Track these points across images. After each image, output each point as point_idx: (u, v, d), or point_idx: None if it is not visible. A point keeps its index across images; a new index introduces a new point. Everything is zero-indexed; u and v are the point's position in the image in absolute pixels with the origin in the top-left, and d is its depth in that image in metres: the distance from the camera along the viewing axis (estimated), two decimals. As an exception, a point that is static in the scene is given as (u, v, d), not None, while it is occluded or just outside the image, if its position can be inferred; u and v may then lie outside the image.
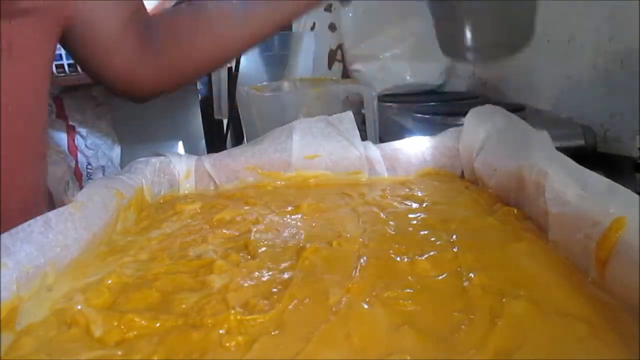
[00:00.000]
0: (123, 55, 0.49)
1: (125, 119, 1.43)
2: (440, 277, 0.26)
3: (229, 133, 0.87)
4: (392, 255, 0.28)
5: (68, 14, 0.44)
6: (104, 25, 0.48)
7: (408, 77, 1.04)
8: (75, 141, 1.37)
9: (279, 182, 0.44)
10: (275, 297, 0.25)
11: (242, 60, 0.72)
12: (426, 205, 0.37)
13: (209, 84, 1.02)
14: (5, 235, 0.24)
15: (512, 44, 0.43)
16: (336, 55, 1.20)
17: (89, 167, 1.38)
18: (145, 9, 0.53)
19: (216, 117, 0.86)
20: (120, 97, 0.53)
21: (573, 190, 0.27)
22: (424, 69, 1.04)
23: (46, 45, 0.43)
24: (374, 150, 0.45)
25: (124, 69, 0.50)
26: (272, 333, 0.22)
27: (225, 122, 0.87)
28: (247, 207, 0.38)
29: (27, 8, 0.39)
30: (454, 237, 0.30)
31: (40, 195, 0.46)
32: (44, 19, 0.41)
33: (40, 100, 0.44)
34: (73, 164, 1.35)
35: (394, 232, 0.32)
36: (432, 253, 0.28)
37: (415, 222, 0.34)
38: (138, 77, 0.51)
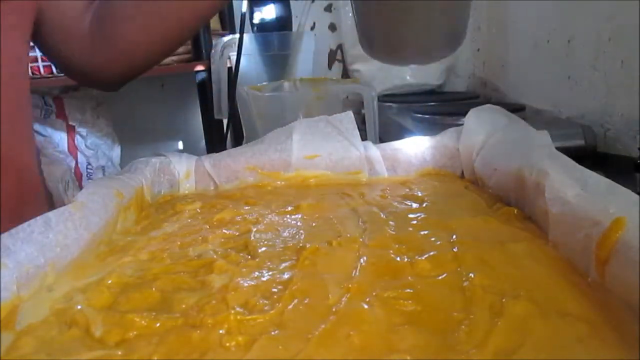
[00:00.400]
0: (80, 40, 0.50)
1: (125, 119, 1.43)
2: (440, 277, 0.26)
3: (229, 133, 0.87)
4: (392, 255, 0.28)
5: None
6: (65, 9, 0.49)
7: (408, 77, 1.04)
8: (75, 141, 1.37)
9: (279, 182, 0.44)
10: (275, 297, 0.25)
11: (242, 60, 0.72)
12: (426, 205, 0.37)
13: (209, 84, 1.02)
14: (5, 235, 0.24)
15: (444, 46, 0.41)
16: (336, 55, 1.20)
17: (89, 167, 1.38)
18: None
19: (216, 117, 0.86)
20: (87, 86, 0.54)
21: (573, 190, 0.27)
22: (423, 69, 1.04)
23: (22, 23, 0.45)
24: (374, 150, 0.45)
25: (80, 54, 0.51)
26: (272, 333, 0.22)
27: (225, 122, 0.87)
28: (247, 207, 0.38)
29: None
30: (454, 237, 0.30)
31: (33, 176, 0.46)
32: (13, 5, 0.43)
33: (19, 77, 0.46)
34: (73, 164, 1.35)
35: (394, 232, 0.32)
36: (432, 253, 0.28)
37: (415, 222, 0.34)
38: (94, 63, 0.51)
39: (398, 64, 0.48)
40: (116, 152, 1.44)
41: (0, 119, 0.42)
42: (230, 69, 0.80)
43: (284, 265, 0.28)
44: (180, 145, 1.52)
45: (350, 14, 1.05)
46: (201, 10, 0.50)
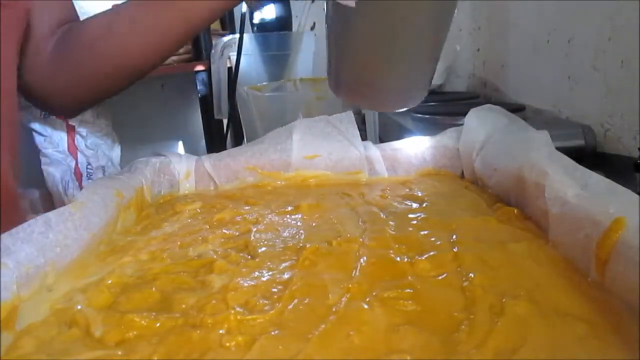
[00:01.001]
0: (42, 62, 0.49)
1: (125, 119, 1.43)
2: (440, 277, 0.26)
3: (229, 133, 0.87)
4: (392, 256, 0.28)
5: (27, 7, 0.47)
6: (36, 25, 0.48)
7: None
8: (75, 141, 1.37)
9: (279, 182, 0.44)
10: (275, 297, 0.25)
11: (242, 60, 0.72)
12: (426, 205, 0.37)
13: (209, 84, 1.02)
14: (5, 235, 0.24)
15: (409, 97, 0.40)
16: (336, 55, 1.19)
17: (89, 167, 1.38)
18: (77, 18, 0.53)
19: (216, 117, 0.86)
20: (44, 110, 0.54)
21: (573, 190, 0.27)
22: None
23: (13, 32, 0.46)
24: (374, 150, 0.45)
25: (40, 76, 0.50)
26: (272, 333, 0.22)
27: (225, 122, 0.87)
28: (247, 207, 0.38)
29: None
30: (454, 237, 0.30)
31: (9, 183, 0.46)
32: (11, 10, 0.44)
33: (6, 81, 0.45)
34: (73, 164, 1.35)
35: (394, 232, 0.32)
36: (432, 253, 0.28)
37: (415, 222, 0.34)
38: (54, 87, 0.51)
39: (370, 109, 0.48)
40: (116, 152, 1.44)
41: None
42: (230, 69, 0.80)
43: (284, 265, 0.28)
44: (180, 145, 1.52)
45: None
46: (175, 42, 0.49)
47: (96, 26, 0.50)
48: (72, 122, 1.36)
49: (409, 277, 0.26)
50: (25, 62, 0.49)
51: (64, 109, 0.54)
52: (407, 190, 0.41)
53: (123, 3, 0.50)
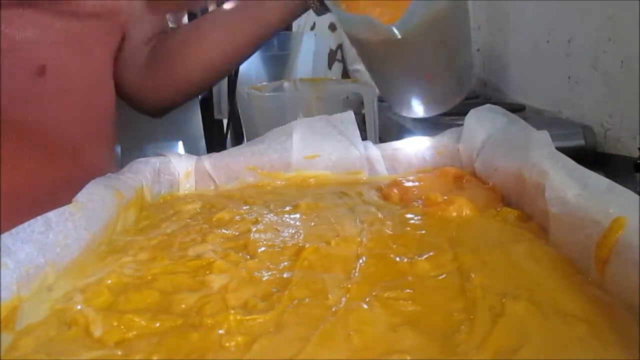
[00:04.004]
0: (136, 68, 0.56)
1: (125, 119, 1.43)
2: (440, 277, 0.26)
3: (229, 133, 0.87)
4: (392, 256, 0.28)
5: (124, 20, 0.53)
6: (133, 35, 0.55)
7: (408, 77, 1.04)
8: (76, 141, 1.37)
9: (278, 182, 0.44)
10: (275, 297, 0.25)
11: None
12: (426, 205, 0.37)
13: (209, 84, 1.02)
14: (5, 235, 0.24)
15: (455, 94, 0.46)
16: (336, 55, 1.20)
17: (89, 167, 1.38)
18: (168, 29, 0.60)
19: (216, 117, 0.86)
20: (136, 110, 0.60)
21: (573, 190, 0.27)
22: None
23: (109, 40, 0.52)
24: (374, 150, 0.45)
25: (133, 82, 0.56)
26: (272, 333, 0.22)
27: (225, 122, 0.87)
28: (246, 207, 0.38)
29: (91, 11, 0.48)
30: (454, 237, 0.30)
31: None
32: (106, 21, 0.51)
33: (105, 83, 0.53)
34: (73, 164, 1.35)
35: (391, 232, 0.32)
36: (431, 253, 0.28)
37: (413, 221, 0.34)
38: (144, 89, 0.57)
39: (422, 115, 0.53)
40: (116, 152, 1.44)
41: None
42: (230, 69, 0.80)
43: (283, 265, 0.28)
44: (180, 145, 1.51)
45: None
46: (258, 38, 0.55)
47: (185, 31, 0.57)
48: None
49: (409, 277, 0.26)
50: (121, 67, 0.55)
51: (151, 109, 0.60)
52: (407, 190, 0.40)
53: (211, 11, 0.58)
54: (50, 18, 0.45)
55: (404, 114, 0.50)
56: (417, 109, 0.47)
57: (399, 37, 0.38)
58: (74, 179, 0.33)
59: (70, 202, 0.30)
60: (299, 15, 0.54)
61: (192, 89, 0.58)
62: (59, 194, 0.30)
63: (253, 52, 0.57)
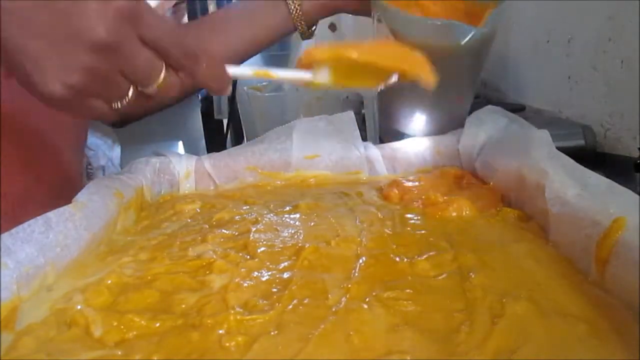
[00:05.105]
0: None
1: (125, 119, 1.43)
2: (440, 277, 0.26)
3: (229, 133, 0.87)
4: (392, 256, 0.28)
5: None
6: None
7: (408, 77, 1.04)
8: (75, 141, 1.37)
9: (278, 182, 0.44)
10: (275, 297, 0.25)
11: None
12: (426, 205, 0.37)
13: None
14: (5, 235, 0.24)
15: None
16: (336, 55, 1.19)
17: (89, 167, 1.38)
18: None
19: (216, 117, 0.86)
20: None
21: (573, 190, 0.27)
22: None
23: None
24: (374, 150, 0.45)
25: None
26: (272, 333, 0.22)
27: (225, 122, 0.88)
28: (246, 207, 0.38)
29: None
30: (454, 237, 0.30)
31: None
32: None
33: None
34: (73, 164, 1.35)
35: (391, 232, 0.32)
36: (431, 253, 0.28)
37: (413, 221, 0.34)
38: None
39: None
40: (116, 152, 1.44)
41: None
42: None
43: (283, 265, 0.28)
44: (180, 145, 1.51)
45: (350, 15, 1.04)
46: (273, 34, 0.55)
47: (217, 13, 0.56)
48: (72, 122, 1.36)
49: (409, 278, 0.26)
50: None
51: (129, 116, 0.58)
52: (407, 190, 0.40)
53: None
54: None
55: (407, 132, 0.50)
56: (425, 128, 0.47)
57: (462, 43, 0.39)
58: (44, 184, 0.32)
59: (41, 206, 0.29)
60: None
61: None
62: (30, 198, 0.29)
63: (270, 45, 0.57)
